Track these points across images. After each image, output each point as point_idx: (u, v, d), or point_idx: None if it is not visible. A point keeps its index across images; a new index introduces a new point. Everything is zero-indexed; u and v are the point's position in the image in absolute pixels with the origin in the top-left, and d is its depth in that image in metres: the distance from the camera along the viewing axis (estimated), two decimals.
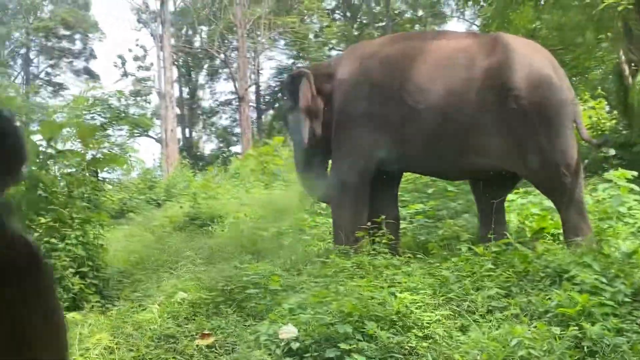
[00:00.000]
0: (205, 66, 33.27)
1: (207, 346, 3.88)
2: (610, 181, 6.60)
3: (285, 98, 6.41)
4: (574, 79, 10.94)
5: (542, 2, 9.01)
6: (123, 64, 31.25)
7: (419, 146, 5.44)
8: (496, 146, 5.20)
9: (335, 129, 5.72)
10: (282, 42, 30.92)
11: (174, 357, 3.83)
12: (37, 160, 5.57)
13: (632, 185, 6.38)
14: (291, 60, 30.80)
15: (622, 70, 8.16)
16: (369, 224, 5.45)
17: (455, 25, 46.40)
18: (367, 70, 5.61)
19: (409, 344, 3.55)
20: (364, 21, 30.08)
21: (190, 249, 6.38)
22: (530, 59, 5.26)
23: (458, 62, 5.31)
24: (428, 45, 5.53)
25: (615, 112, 10.26)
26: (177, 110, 29.27)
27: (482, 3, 9.71)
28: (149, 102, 31.14)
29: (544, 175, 5.20)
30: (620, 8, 7.45)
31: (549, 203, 6.65)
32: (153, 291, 4.90)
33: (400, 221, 6.80)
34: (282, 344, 3.60)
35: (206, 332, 4.03)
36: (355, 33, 28.43)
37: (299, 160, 6.29)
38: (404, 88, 5.40)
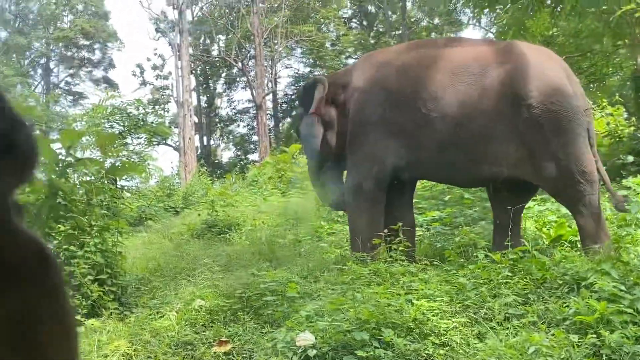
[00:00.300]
0: (223, 75, 33.49)
1: (225, 353, 3.90)
2: (629, 188, 6.57)
3: (299, 106, 6.43)
4: (592, 85, 10.89)
5: (559, 9, 8.96)
6: (141, 72, 31.53)
7: (433, 154, 5.44)
8: (509, 155, 5.19)
9: (351, 136, 5.74)
10: (299, 50, 31.07)
11: None
12: (57, 169, 5.63)
13: None
14: (308, 69, 30.95)
15: None
16: (385, 231, 5.46)
17: (471, 32, 46.29)
18: (382, 78, 5.63)
19: (426, 352, 3.54)
20: (381, 30, 30.13)
21: (208, 256, 6.41)
22: (544, 67, 5.24)
23: (471, 71, 5.30)
24: (442, 53, 5.53)
25: (633, 119, 10.18)
26: (195, 119, 29.46)
27: (498, 10, 9.69)
28: (167, 111, 31.35)
29: (558, 183, 5.17)
30: (637, 15, 7.41)
31: (566, 210, 6.63)
32: (171, 298, 4.93)
33: (417, 228, 6.81)
34: (299, 351, 3.60)
35: (223, 339, 4.04)
36: (372, 41, 28.50)
37: (313, 168, 6.30)
38: (419, 96, 5.40)
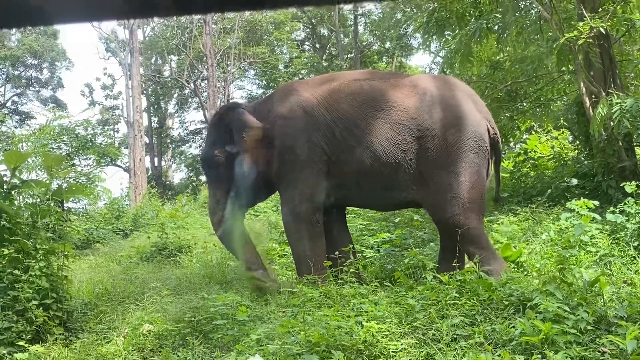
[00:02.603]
0: (175, 95, 33.28)
1: None
2: (572, 210, 6.74)
3: (212, 136, 6.21)
4: (538, 110, 11.17)
5: (505, 35, 9.21)
6: (91, 92, 31.15)
7: (353, 180, 5.65)
8: (413, 182, 5.50)
9: (279, 163, 5.78)
10: (252, 72, 31.13)
11: None
12: (1, 191, 5.49)
13: (594, 215, 6.53)
14: (261, 90, 31.01)
15: (583, 101, 8.35)
16: (337, 253, 5.50)
17: (421, 57, 47.17)
18: (304, 105, 5.73)
19: None
20: (333, 52, 30.43)
21: (157, 279, 6.31)
22: (448, 98, 5.54)
23: (379, 105, 5.56)
24: (358, 86, 5.73)
25: (577, 142, 10.48)
26: (146, 139, 29.15)
27: (446, 36, 9.90)
28: (117, 131, 31.04)
29: (447, 210, 5.42)
30: (580, 42, 7.66)
31: (511, 230, 6.77)
32: (118, 323, 4.83)
33: (368, 250, 6.87)
34: None
35: None
36: (325, 64, 28.74)
37: (223, 206, 6.01)
38: (336, 125, 5.61)
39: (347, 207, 6.62)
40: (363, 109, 5.58)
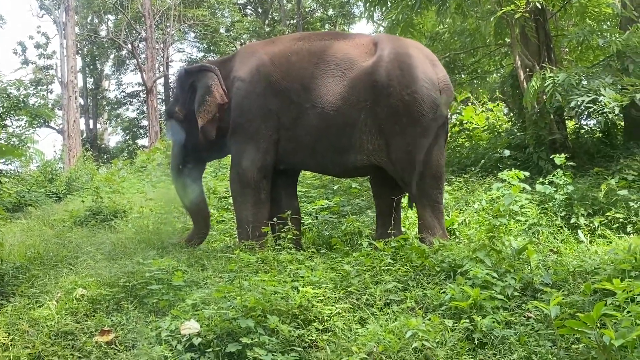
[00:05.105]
0: (112, 56, 32.41)
1: (107, 343, 3.80)
2: (504, 181, 6.94)
3: (176, 92, 6.30)
4: (475, 81, 11.37)
5: (445, 7, 9.29)
6: (23, 51, 29.96)
7: (306, 144, 5.58)
8: (369, 142, 5.40)
9: (233, 126, 5.76)
10: (192, 34, 30.56)
11: (71, 354, 3.74)
12: None
13: (524, 185, 6.74)
14: (201, 54, 30.53)
15: (518, 75, 8.54)
16: (274, 219, 5.52)
17: (363, 26, 47.20)
18: (261, 68, 5.67)
19: (310, 337, 3.62)
20: (276, 18, 30.11)
21: (92, 244, 6.20)
22: (407, 57, 5.42)
23: (340, 63, 5.48)
24: (315, 46, 5.66)
25: (511, 114, 10.74)
26: (81, 101, 28.36)
27: (388, 6, 9.90)
28: (51, 92, 30.07)
29: (405, 173, 5.39)
30: (517, 15, 7.81)
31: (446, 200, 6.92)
32: (51, 287, 4.74)
33: (306, 217, 6.92)
34: (184, 339, 3.59)
35: (106, 328, 3.95)
36: (267, 29, 28.42)
37: (180, 161, 6.24)
38: (292, 87, 5.54)
39: None
40: (321, 69, 5.48)
